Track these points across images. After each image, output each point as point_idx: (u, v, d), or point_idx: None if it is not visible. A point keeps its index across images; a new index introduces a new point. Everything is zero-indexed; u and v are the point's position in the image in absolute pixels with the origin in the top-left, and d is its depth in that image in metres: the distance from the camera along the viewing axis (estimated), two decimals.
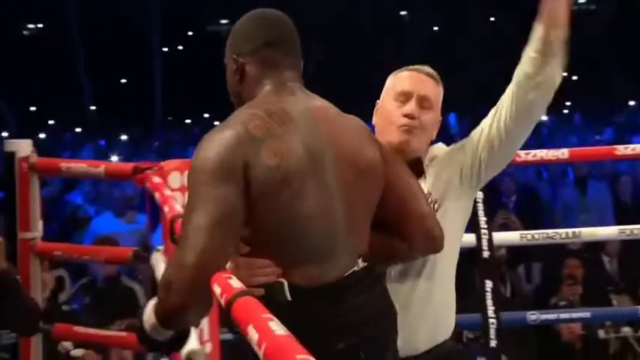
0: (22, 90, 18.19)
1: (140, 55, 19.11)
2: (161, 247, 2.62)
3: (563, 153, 3.23)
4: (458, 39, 18.87)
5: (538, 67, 2.10)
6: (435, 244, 1.98)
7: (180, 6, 18.59)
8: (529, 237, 3.23)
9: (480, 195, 3.17)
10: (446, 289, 2.19)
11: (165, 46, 20.59)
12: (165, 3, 18.58)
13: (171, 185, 2.59)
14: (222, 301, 1.48)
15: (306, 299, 1.72)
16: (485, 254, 3.16)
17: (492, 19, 20.14)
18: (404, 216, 1.92)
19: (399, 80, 2.18)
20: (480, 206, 3.18)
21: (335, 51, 17.20)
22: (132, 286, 4.89)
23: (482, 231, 3.15)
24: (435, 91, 2.19)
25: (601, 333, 4.45)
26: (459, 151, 2.20)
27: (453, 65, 17.80)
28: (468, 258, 4.46)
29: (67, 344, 3.48)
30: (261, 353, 1.18)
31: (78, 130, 17.55)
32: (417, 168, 2.15)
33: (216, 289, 1.54)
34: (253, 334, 1.24)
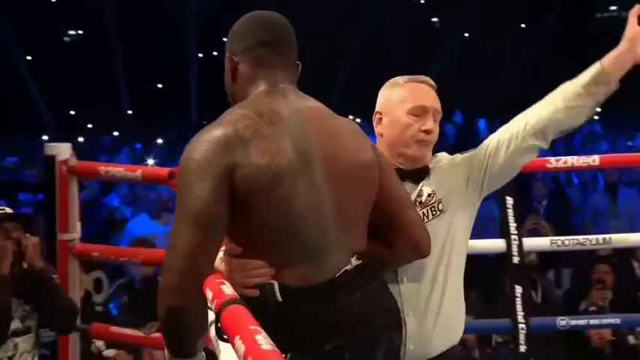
0: (62, 94, 18.39)
1: (176, 60, 19.23)
2: None
3: (594, 160, 3.19)
4: (489, 46, 18.76)
5: (577, 101, 2.10)
6: (420, 253, 1.99)
7: (217, 13, 18.69)
8: (559, 243, 3.20)
9: (509, 200, 3.15)
10: (456, 293, 2.19)
11: (200, 52, 20.70)
12: (202, 10, 18.70)
13: None
14: (213, 308, 1.49)
15: (297, 300, 1.70)
16: (516, 260, 3.13)
17: (523, 25, 19.99)
18: (391, 223, 1.92)
19: (411, 93, 2.18)
20: (510, 212, 3.16)
21: (366, 58, 17.17)
22: None
23: (513, 236, 3.13)
24: (439, 102, 2.21)
25: (631, 339, 4.39)
26: (468, 159, 2.21)
27: (484, 72, 17.72)
28: (498, 263, 4.46)
29: (100, 344, 3.52)
30: None
31: (115, 133, 17.70)
32: (423, 173, 2.18)
33: (209, 294, 1.55)
34: (240, 346, 1.23)
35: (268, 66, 1.83)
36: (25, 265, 3.01)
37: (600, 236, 3.22)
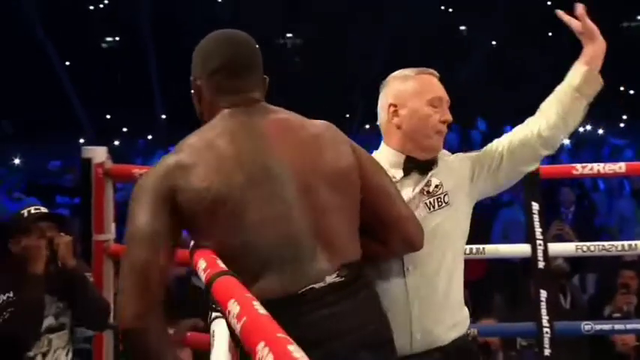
0: (99, 99, 18.59)
1: None
2: None
3: (620, 167, 3.15)
4: (515, 54, 18.64)
5: (575, 104, 2.15)
6: (413, 246, 1.98)
7: (248, 19, 18.81)
8: (584, 248, 3.16)
9: (535, 206, 3.12)
10: (460, 283, 2.19)
11: None
12: (234, 18, 18.80)
13: None
14: (204, 278, 1.49)
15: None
16: (541, 265, 3.09)
17: (550, 34, 19.83)
18: (381, 220, 1.90)
19: (427, 85, 2.20)
20: (536, 217, 3.13)
21: (393, 66, 17.16)
22: (201, 287, 4.93)
23: (538, 241, 3.09)
24: None
25: None
26: (475, 159, 2.23)
27: (509, 79, 17.60)
28: (523, 268, 4.42)
29: None
30: (239, 326, 1.13)
31: (149, 137, 17.85)
32: (431, 164, 2.18)
33: (201, 264, 1.57)
34: (234, 307, 1.19)
35: (229, 90, 1.84)
36: (59, 264, 3.03)
37: (626, 242, 3.18)
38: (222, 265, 1.55)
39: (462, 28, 21.61)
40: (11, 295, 2.96)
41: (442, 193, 2.14)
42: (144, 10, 19.26)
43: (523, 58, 18.42)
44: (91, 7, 20.55)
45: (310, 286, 1.68)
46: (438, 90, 2.19)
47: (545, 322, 3.03)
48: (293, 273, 1.69)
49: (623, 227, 6.50)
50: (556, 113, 2.15)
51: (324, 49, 18.90)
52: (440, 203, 2.14)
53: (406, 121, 2.17)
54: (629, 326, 3.41)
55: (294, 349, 0.96)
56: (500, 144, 2.21)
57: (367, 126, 14.59)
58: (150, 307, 1.63)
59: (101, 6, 21.01)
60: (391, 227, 1.92)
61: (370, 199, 1.87)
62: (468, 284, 4.95)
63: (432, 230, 2.08)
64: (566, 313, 4.21)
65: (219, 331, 1.95)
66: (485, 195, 2.26)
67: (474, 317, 4.91)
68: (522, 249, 3.21)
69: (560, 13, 2.18)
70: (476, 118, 13.21)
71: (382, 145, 2.23)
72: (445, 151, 2.26)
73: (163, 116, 20.28)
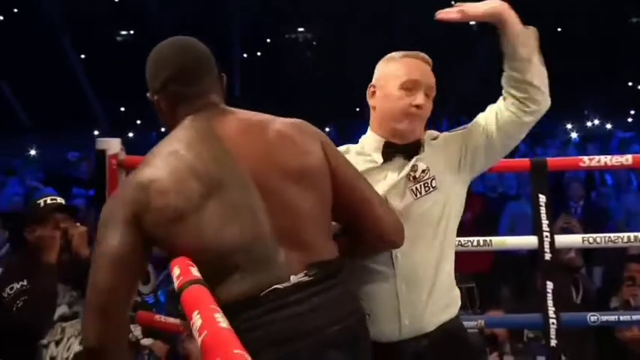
0: (113, 91, 18.63)
1: (221, 60, 19.40)
2: None
3: (627, 159, 3.12)
4: None
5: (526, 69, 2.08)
6: (393, 245, 1.95)
7: (260, 14, 18.82)
8: (591, 240, 3.14)
9: (542, 198, 3.10)
10: (451, 264, 2.15)
11: (244, 53, 20.83)
12: (245, 14, 18.82)
13: None
14: (176, 285, 1.48)
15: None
16: (547, 256, 3.08)
17: (559, 29, 19.74)
18: (357, 219, 1.86)
19: (405, 68, 2.13)
20: (543, 209, 3.11)
21: None
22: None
23: (545, 233, 3.08)
24: (434, 78, 2.16)
25: None
26: (461, 137, 2.17)
27: None
28: (529, 260, 4.40)
29: (137, 333, 3.55)
30: (199, 340, 1.13)
31: (163, 130, 17.91)
32: (415, 148, 2.13)
33: (175, 271, 1.56)
34: (197, 320, 1.19)
35: (184, 97, 1.81)
36: (73, 254, 3.05)
37: (632, 234, 3.15)
38: (195, 273, 1.53)
39: (473, 22, 21.55)
40: (25, 283, 2.98)
41: (429, 177, 2.09)
42: (158, 4, 19.29)
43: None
44: (106, 1, 20.59)
45: (273, 287, 1.65)
46: (416, 73, 2.12)
47: (551, 313, 3.02)
48: (255, 276, 1.65)
49: (629, 222, 6.47)
50: (507, 76, 2.11)
51: (335, 44, 18.88)
52: (427, 188, 2.09)
53: (379, 103, 2.15)
54: (634, 317, 3.39)
55: None
56: (486, 118, 2.15)
57: None
58: (111, 328, 1.65)
59: (116, 0, 21.05)
60: (367, 228, 1.87)
61: (344, 197, 1.83)
62: (475, 276, 4.97)
63: (419, 216, 2.06)
64: (577, 306, 4.20)
65: None
66: (482, 169, 2.20)
67: (482, 309, 4.92)
68: (529, 241, 3.19)
69: (444, 17, 2.11)
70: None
71: (369, 128, 2.20)
72: (434, 132, 2.21)
73: None
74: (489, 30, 2.10)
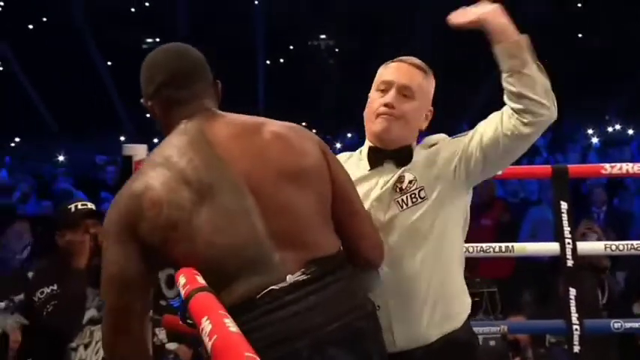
0: (139, 98, 18.76)
1: (244, 67, 19.48)
2: None
3: None
4: (543, 54, 18.44)
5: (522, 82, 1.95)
6: (370, 264, 1.89)
7: (284, 21, 18.89)
8: (613, 247, 3.12)
9: (564, 205, 3.08)
10: (450, 282, 2.06)
11: (267, 60, 20.88)
12: (269, 22, 18.87)
13: None
14: (183, 293, 1.48)
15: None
16: (569, 263, 3.06)
17: (580, 35, 19.59)
18: (342, 232, 1.81)
19: (386, 71, 2.13)
20: (564, 216, 3.09)
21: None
22: None
23: (567, 240, 3.06)
24: (418, 80, 2.09)
25: None
26: (458, 144, 2.07)
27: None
28: (551, 266, 4.37)
29: (162, 337, 3.57)
30: (210, 344, 1.12)
31: None
32: (405, 156, 2.08)
33: (181, 280, 1.55)
34: (207, 325, 1.19)
35: (177, 102, 1.80)
36: None
37: None
38: (201, 281, 1.52)
39: None
40: (55, 287, 3.00)
41: (417, 188, 2.02)
42: (182, 12, 19.43)
43: (552, 59, 18.23)
44: (133, 10, 20.76)
45: (269, 288, 1.63)
46: (392, 74, 2.09)
47: (574, 319, 3.00)
48: (251, 278, 1.63)
49: None
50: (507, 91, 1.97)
51: (357, 51, 18.88)
52: (414, 199, 2.02)
53: (365, 109, 2.16)
54: None
55: None
56: (486, 127, 2.02)
57: None
58: (129, 343, 1.67)
59: (142, 8, 21.21)
60: (349, 242, 1.82)
61: (333, 207, 1.80)
62: (497, 281, 4.94)
63: (406, 228, 2.00)
64: (600, 310, 4.16)
65: None
66: (478, 179, 2.09)
67: (503, 314, 4.89)
68: (551, 247, 3.18)
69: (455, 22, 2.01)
70: None
71: None
72: (433, 137, 2.15)
73: None
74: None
